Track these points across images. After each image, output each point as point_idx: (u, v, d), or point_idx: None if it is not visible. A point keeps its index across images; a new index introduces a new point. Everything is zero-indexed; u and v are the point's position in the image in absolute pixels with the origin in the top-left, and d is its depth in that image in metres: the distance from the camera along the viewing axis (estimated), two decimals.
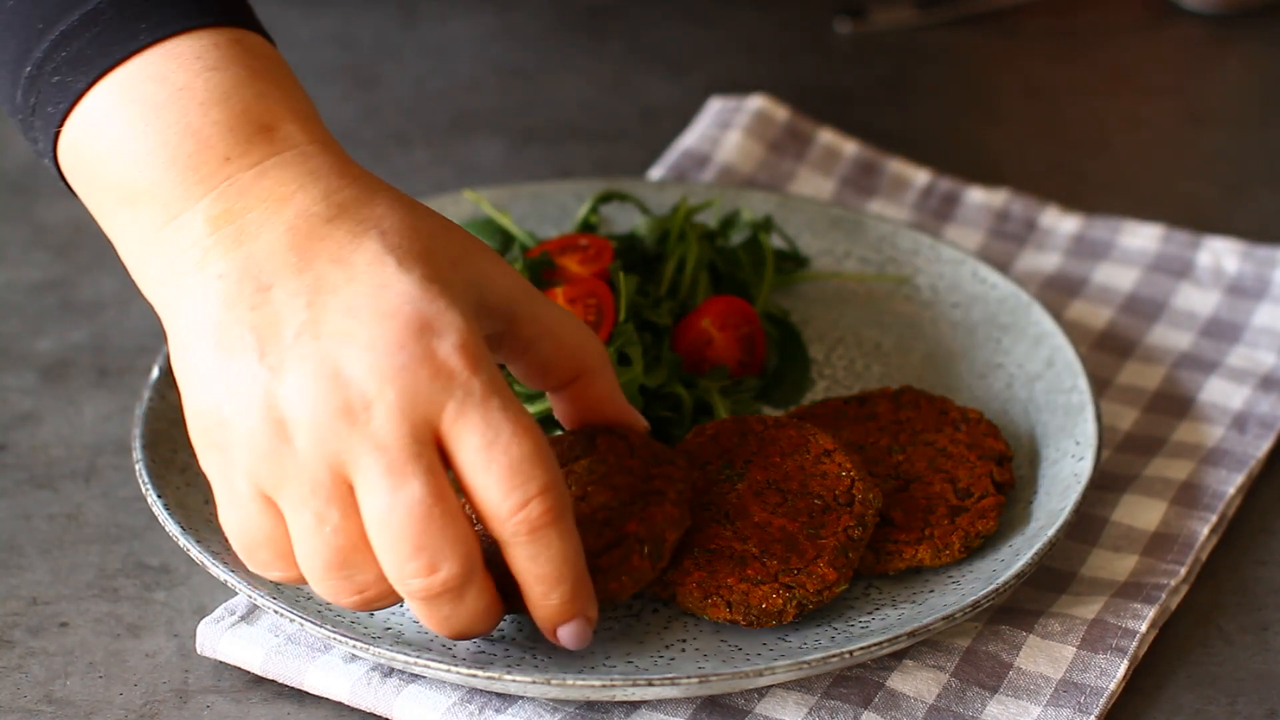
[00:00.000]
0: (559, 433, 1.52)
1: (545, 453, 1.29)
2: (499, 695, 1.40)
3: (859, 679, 1.41)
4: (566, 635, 1.34)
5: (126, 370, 1.69)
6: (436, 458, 1.28)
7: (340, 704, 1.42)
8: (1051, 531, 1.45)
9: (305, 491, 1.28)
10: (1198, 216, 1.86)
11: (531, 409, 1.53)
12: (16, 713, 1.42)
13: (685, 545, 1.43)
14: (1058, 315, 1.68)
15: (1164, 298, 1.74)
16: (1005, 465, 1.51)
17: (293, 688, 1.43)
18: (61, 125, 1.34)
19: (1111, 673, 1.42)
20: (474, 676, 1.36)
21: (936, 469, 1.50)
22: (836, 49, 2.09)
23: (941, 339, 1.66)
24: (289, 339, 1.28)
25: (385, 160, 1.94)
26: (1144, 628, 1.44)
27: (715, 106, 1.92)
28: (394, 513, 1.26)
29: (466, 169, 1.93)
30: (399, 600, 1.33)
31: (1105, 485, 1.56)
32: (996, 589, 1.41)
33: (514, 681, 1.36)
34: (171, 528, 1.46)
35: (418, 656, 1.37)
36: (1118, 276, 1.76)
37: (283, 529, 1.30)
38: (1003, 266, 1.77)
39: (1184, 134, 1.97)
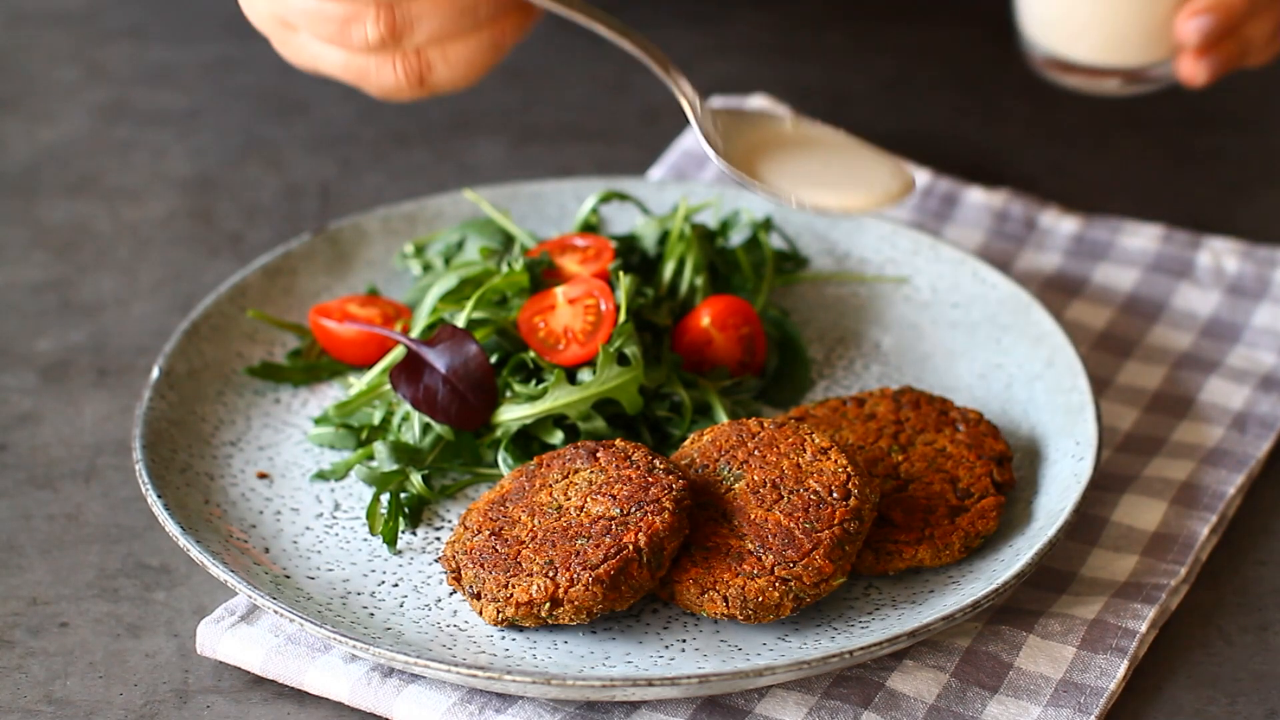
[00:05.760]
0: (561, 446, 1.53)
1: None
2: (499, 695, 1.40)
3: (859, 679, 1.41)
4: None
5: (126, 370, 1.69)
6: None
7: (340, 704, 1.42)
8: (1051, 531, 1.45)
9: None
10: (1198, 216, 1.85)
11: (532, 409, 1.53)
12: (16, 713, 1.42)
13: (683, 544, 1.43)
14: (1058, 315, 1.68)
15: (1164, 298, 1.74)
16: (1005, 465, 1.51)
17: (293, 688, 1.43)
18: None
19: (1111, 673, 1.42)
20: (474, 676, 1.36)
21: (936, 469, 1.50)
22: (836, 49, 2.09)
23: (941, 339, 1.66)
24: None
25: (385, 160, 1.94)
26: (1144, 628, 1.44)
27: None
28: None
29: (466, 169, 1.93)
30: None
31: (1105, 485, 1.56)
32: (996, 589, 1.41)
33: (514, 681, 1.36)
34: (171, 528, 1.46)
35: (418, 656, 1.37)
36: (1118, 276, 1.76)
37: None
38: (1003, 266, 1.77)
39: (1184, 134, 1.97)
